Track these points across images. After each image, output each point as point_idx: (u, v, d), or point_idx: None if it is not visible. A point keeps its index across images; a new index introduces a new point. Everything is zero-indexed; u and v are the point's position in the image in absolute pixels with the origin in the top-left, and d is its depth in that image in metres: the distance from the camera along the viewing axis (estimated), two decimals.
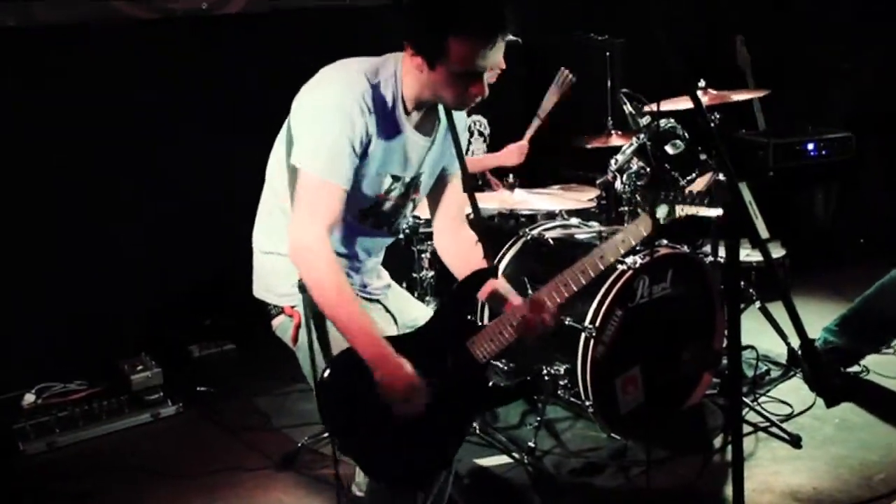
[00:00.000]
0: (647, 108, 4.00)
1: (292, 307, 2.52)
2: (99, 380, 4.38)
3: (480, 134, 4.66)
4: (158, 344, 4.52)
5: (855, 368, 4.16)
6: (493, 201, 4.12)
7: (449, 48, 2.29)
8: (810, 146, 5.75)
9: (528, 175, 4.39)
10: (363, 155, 2.40)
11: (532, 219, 4.21)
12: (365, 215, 2.54)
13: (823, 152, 5.78)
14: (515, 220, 4.22)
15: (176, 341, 4.63)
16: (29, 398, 4.23)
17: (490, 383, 2.56)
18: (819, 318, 4.30)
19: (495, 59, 2.37)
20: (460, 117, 2.66)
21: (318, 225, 2.34)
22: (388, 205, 2.56)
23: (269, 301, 2.61)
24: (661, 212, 2.61)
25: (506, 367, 3.94)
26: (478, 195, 4.07)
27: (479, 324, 2.59)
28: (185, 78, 4.56)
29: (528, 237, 3.97)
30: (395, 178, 2.52)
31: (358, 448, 2.44)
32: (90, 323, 4.45)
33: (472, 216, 2.69)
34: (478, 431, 3.81)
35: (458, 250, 2.74)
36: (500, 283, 2.68)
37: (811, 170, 5.76)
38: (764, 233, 1.90)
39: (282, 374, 4.40)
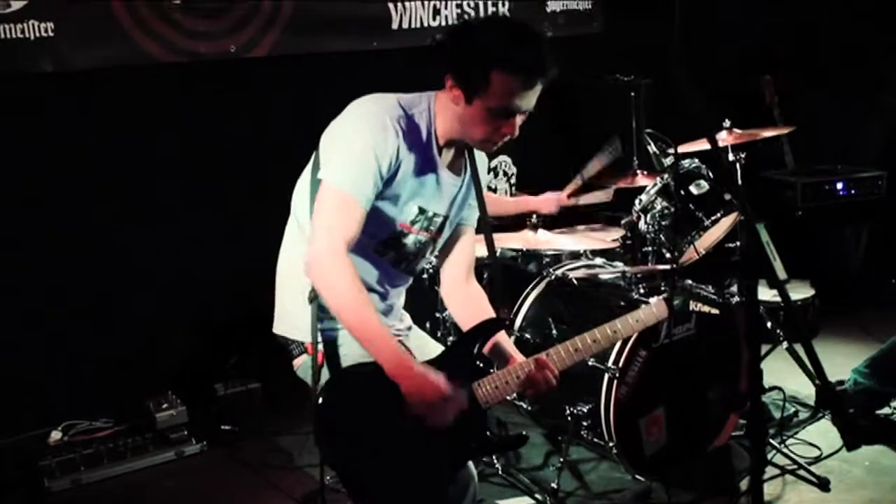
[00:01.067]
0: (670, 150, 4.00)
1: (318, 346, 2.50)
2: (124, 417, 4.41)
3: (505, 174, 4.68)
4: (184, 382, 4.54)
5: (886, 410, 4.10)
6: (517, 241, 4.13)
7: (491, 82, 2.35)
8: (839, 185, 5.71)
9: (553, 215, 4.40)
10: (392, 178, 2.42)
11: (556, 259, 4.20)
12: (386, 246, 2.54)
13: (853, 191, 5.74)
14: (539, 260, 4.22)
15: (201, 380, 4.64)
16: (55, 435, 4.27)
17: (487, 431, 2.53)
18: (848, 359, 4.25)
19: (530, 103, 2.43)
20: (482, 165, 2.69)
21: (335, 237, 2.34)
22: (410, 239, 2.56)
23: (288, 336, 2.61)
24: (678, 299, 2.66)
25: (529, 408, 3.92)
26: (501, 235, 4.13)
27: (487, 370, 2.57)
28: (213, 120, 4.62)
29: (552, 277, 3.97)
30: (422, 211, 2.54)
31: (351, 475, 2.42)
32: (116, 361, 4.48)
33: (488, 259, 2.70)
34: (500, 472, 3.79)
35: (466, 303, 2.75)
36: (506, 340, 2.68)
37: (840, 209, 5.72)
38: (782, 274, 1.90)
39: (306, 413, 4.38)
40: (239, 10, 4.62)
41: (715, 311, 2.85)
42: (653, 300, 2.78)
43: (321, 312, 2.49)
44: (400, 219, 2.52)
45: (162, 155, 4.54)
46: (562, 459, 3.69)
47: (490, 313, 2.69)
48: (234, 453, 4.26)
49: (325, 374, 2.50)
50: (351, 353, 2.50)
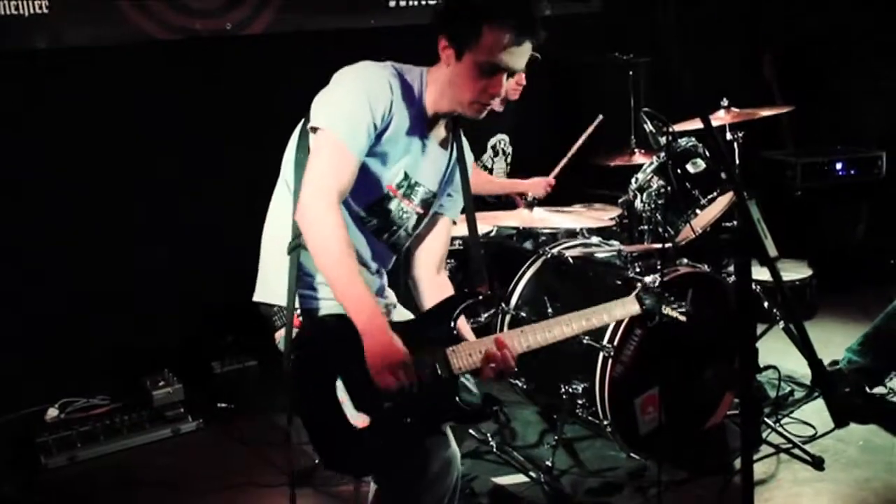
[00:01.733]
0: (667, 129, 3.99)
1: (297, 315, 2.45)
2: (121, 395, 4.42)
3: (503, 152, 4.66)
4: (180, 360, 4.55)
5: (881, 390, 4.10)
6: (513, 219, 4.12)
7: (481, 34, 2.39)
8: (839, 165, 5.70)
9: (549, 193, 4.40)
10: (383, 132, 2.43)
11: (552, 237, 4.20)
12: (370, 212, 2.53)
13: (852, 171, 5.73)
14: (535, 238, 4.21)
15: (198, 357, 4.65)
16: (52, 412, 4.29)
17: (457, 397, 2.49)
18: (846, 339, 4.25)
19: (519, 63, 2.46)
20: (468, 150, 2.72)
21: (328, 184, 2.35)
22: (394, 204, 2.55)
23: (270, 303, 2.55)
24: (649, 301, 2.80)
25: (525, 387, 3.92)
26: (498, 213, 4.12)
27: (462, 337, 2.54)
28: (210, 98, 4.60)
29: (548, 255, 3.96)
30: (406, 176, 2.54)
31: (318, 430, 2.40)
32: (113, 338, 4.50)
33: (470, 238, 2.71)
34: (495, 449, 3.80)
35: (436, 292, 2.73)
36: (467, 327, 2.66)
37: (839, 189, 5.71)
38: (773, 251, 1.89)
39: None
40: None
41: (682, 318, 2.93)
42: (626, 298, 2.80)
43: (301, 273, 2.46)
44: (386, 179, 2.52)
45: (157, 133, 4.53)
46: (556, 437, 3.70)
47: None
48: (231, 431, 4.27)
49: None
50: (326, 307, 2.47)
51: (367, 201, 2.52)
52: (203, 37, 4.55)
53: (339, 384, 2.37)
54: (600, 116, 4.49)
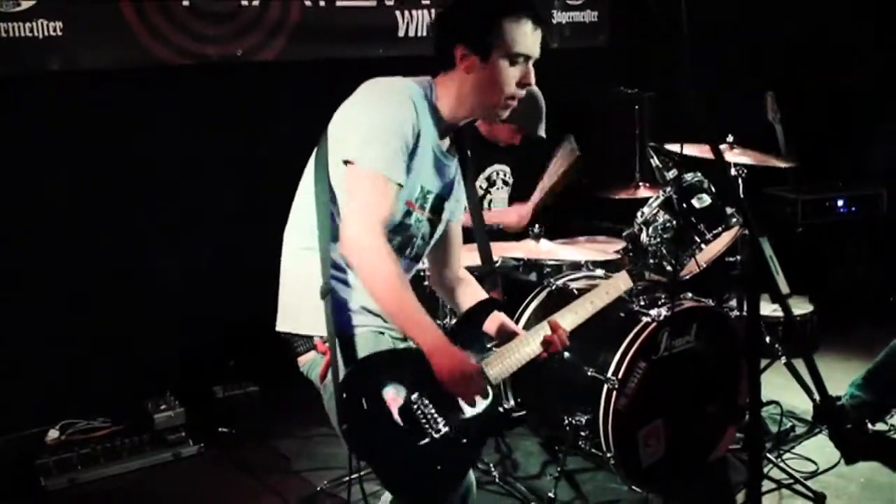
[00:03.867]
0: (673, 163, 4.01)
1: (324, 342, 2.46)
2: (122, 417, 4.41)
3: (505, 183, 4.69)
4: (182, 383, 4.55)
5: (883, 427, 4.11)
6: (518, 251, 4.14)
7: (503, 30, 2.45)
8: (840, 202, 5.74)
9: (555, 226, 4.42)
10: (412, 153, 2.45)
11: (557, 269, 4.21)
12: (395, 232, 2.53)
13: (853, 208, 5.76)
14: (540, 270, 4.22)
15: (200, 382, 4.65)
16: (53, 434, 4.27)
17: (500, 408, 2.56)
18: (847, 374, 4.26)
19: (537, 48, 2.52)
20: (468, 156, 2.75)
21: (370, 216, 2.35)
22: (413, 217, 2.56)
23: (294, 332, 2.56)
24: (638, 272, 2.92)
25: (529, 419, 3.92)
26: (503, 244, 4.14)
27: (490, 347, 2.62)
28: (221, 124, 4.63)
29: (553, 287, 3.97)
30: (422, 189, 2.56)
31: (375, 454, 2.42)
32: (115, 361, 4.49)
33: (484, 267, 2.78)
34: (497, 480, 3.80)
35: (465, 289, 2.83)
36: (506, 318, 2.74)
37: (841, 226, 5.74)
38: (784, 288, 1.91)
39: (304, 417, 4.41)
40: (247, 15, 4.64)
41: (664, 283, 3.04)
42: (618, 273, 2.95)
43: (336, 306, 2.47)
44: (407, 196, 2.52)
45: (165, 157, 4.55)
46: (559, 469, 3.70)
47: (482, 293, 2.77)
48: (232, 456, 4.26)
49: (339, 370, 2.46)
50: (365, 345, 2.48)
51: (392, 223, 2.51)
52: (214, 62, 4.58)
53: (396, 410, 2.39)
54: (570, 136, 4.53)
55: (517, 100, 2.56)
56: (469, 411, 2.47)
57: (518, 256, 4.19)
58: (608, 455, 3.53)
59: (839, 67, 6.14)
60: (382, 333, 2.54)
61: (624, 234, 4.12)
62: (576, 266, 4.22)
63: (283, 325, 2.63)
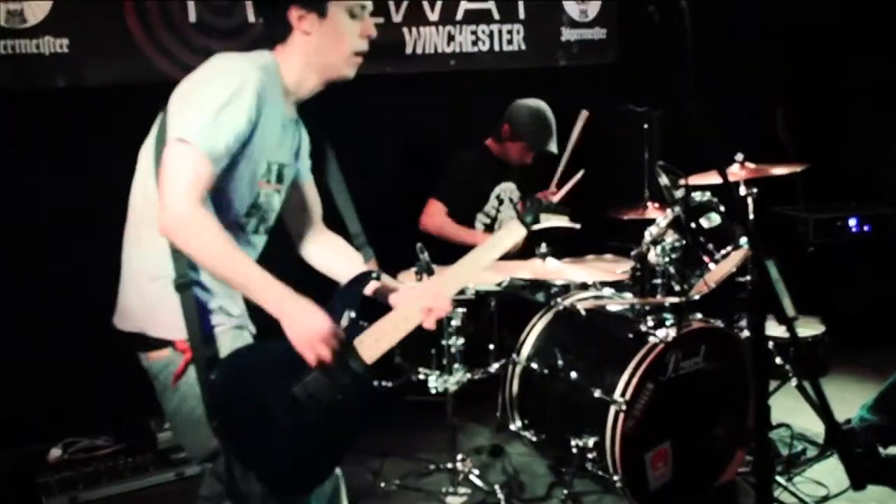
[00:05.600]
0: (682, 182, 3.98)
1: (186, 341, 2.37)
2: (125, 436, 4.38)
3: (511, 201, 4.67)
4: None
5: (894, 451, 4.05)
6: (526, 270, 4.10)
7: None
8: (852, 222, 5.69)
9: (562, 245, 4.39)
10: (250, 137, 2.35)
11: (565, 289, 4.18)
12: (248, 215, 2.49)
13: (866, 228, 5.71)
14: (547, 289, 4.19)
15: None
16: (55, 452, 4.24)
17: (374, 383, 2.50)
18: (859, 397, 4.20)
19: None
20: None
21: (188, 191, 2.21)
22: (263, 195, 2.50)
23: (150, 334, 2.47)
24: (529, 218, 2.61)
25: (534, 439, 3.88)
26: (511, 264, 4.10)
27: (363, 324, 2.50)
28: None
29: (560, 307, 3.94)
30: (268, 165, 2.49)
31: (251, 453, 2.37)
32: (118, 379, 4.45)
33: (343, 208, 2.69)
34: (503, 502, 3.75)
35: (335, 251, 2.75)
36: (386, 280, 2.67)
37: (853, 246, 5.68)
38: (791, 311, 1.88)
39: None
40: (253, 31, 4.64)
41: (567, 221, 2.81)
42: (509, 222, 2.67)
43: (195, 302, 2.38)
44: (257, 178, 2.45)
45: None
46: (566, 491, 3.66)
47: (358, 258, 2.67)
48: None
49: (190, 371, 2.39)
50: (226, 343, 2.42)
51: (245, 205, 2.47)
52: None
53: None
54: (584, 112, 4.52)
55: (362, 56, 2.52)
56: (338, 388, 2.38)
57: (525, 276, 4.15)
58: (615, 478, 3.49)
59: (851, 80, 6.11)
60: (241, 328, 2.50)
61: (632, 253, 4.11)
62: (583, 286, 4.19)
63: (126, 323, 2.59)
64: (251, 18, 4.62)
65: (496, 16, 5.38)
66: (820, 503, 3.70)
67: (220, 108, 2.27)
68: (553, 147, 4.59)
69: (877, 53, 5.95)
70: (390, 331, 2.49)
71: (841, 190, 5.98)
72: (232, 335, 2.45)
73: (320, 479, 2.49)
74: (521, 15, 5.47)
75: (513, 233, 2.61)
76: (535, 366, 3.83)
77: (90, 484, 4.02)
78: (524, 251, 4.32)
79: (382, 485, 3.98)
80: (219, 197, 2.38)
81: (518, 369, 3.88)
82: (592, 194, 4.66)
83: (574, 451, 3.59)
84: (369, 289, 2.60)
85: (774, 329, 4.46)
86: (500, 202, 4.64)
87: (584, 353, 3.80)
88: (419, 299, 2.51)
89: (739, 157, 4.31)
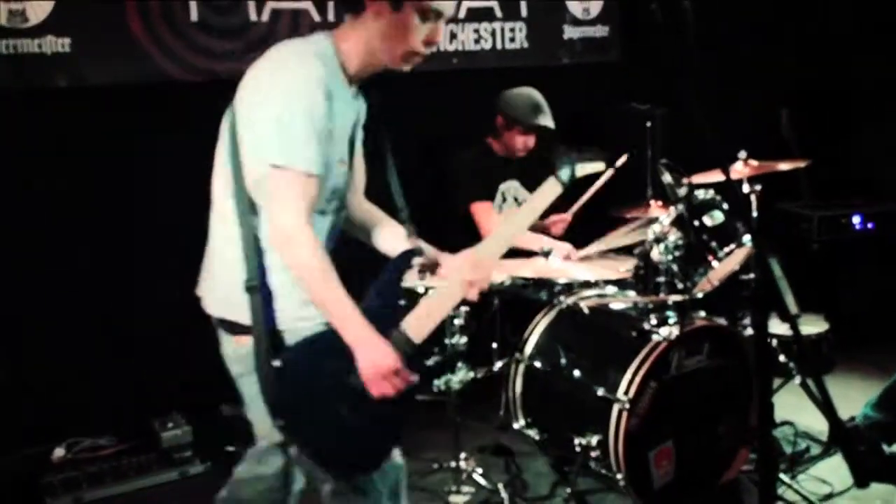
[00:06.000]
0: (685, 180, 3.98)
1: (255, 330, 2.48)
2: (129, 436, 4.38)
3: (515, 200, 4.66)
4: (189, 402, 4.52)
5: None
6: (528, 269, 4.10)
7: None
8: (856, 219, 5.67)
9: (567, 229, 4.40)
10: (328, 131, 2.44)
11: (568, 287, 4.17)
12: (330, 198, 2.56)
13: (870, 225, 5.70)
14: (550, 288, 4.18)
15: (207, 400, 4.61)
16: (59, 452, 4.24)
17: (426, 362, 2.57)
18: (863, 394, 4.19)
19: (451, 9, 2.54)
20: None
21: (298, 211, 2.37)
22: (341, 176, 2.58)
23: (238, 321, 2.56)
24: (565, 174, 2.66)
25: (537, 438, 3.88)
26: (513, 262, 4.10)
27: (406, 304, 2.58)
28: None
29: (563, 306, 3.94)
30: (343, 148, 2.57)
31: (312, 441, 2.49)
32: (122, 379, 4.47)
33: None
34: (506, 501, 3.75)
35: (373, 220, 2.81)
36: (427, 252, 2.73)
37: (857, 243, 5.67)
38: (794, 308, 1.87)
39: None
40: (256, 31, 4.64)
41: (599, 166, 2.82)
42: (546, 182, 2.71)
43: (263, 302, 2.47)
44: (333, 163, 2.52)
45: (172, 174, 4.53)
46: (569, 490, 3.66)
47: (398, 228, 2.73)
48: None
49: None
50: (292, 338, 2.50)
51: (329, 190, 2.54)
52: (223, 79, 4.57)
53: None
54: (625, 156, 4.48)
55: (420, 57, 2.55)
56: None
57: (528, 275, 4.15)
58: (619, 476, 3.48)
59: (854, 78, 6.10)
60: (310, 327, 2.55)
61: (635, 251, 4.10)
62: (586, 284, 4.18)
63: (214, 309, 2.71)
64: (253, 17, 4.62)
65: (499, 14, 5.37)
66: (824, 501, 3.70)
67: (301, 120, 2.36)
68: (549, 122, 4.55)
69: (881, 52, 5.94)
70: (435, 308, 2.56)
71: (845, 187, 5.96)
72: (299, 333, 2.50)
73: (380, 459, 2.58)
74: (524, 13, 5.46)
75: (549, 191, 2.68)
76: (538, 364, 3.83)
77: (94, 484, 4.04)
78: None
79: None
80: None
81: (521, 368, 3.88)
82: (595, 192, 4.68)
83: (577, 449, 3.59)
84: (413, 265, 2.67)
85: (778, 327, 4.47)
86: (504, 200, 4.63)
87: (587, 351, 3.80)
88: (460, 273, 2.59)
89: (743, 154, 4.30)
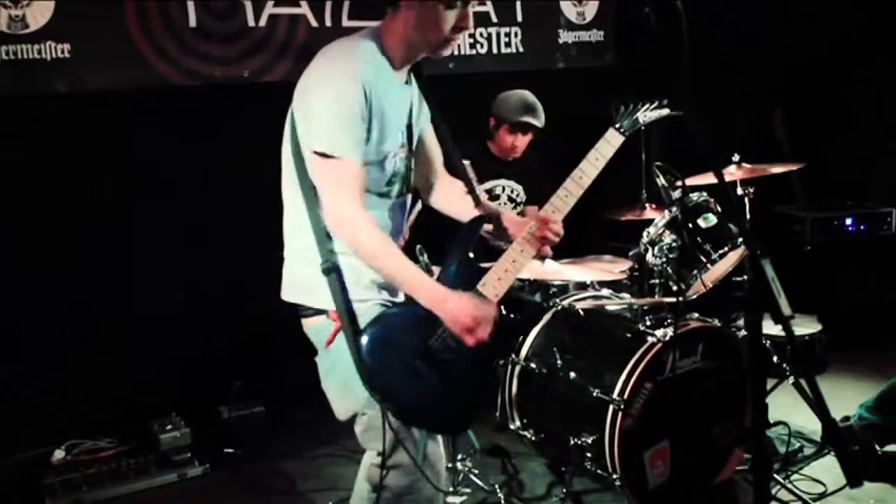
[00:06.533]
0: (679, 183, 4.01)
1: (335, 311, 2.59)
2: (128, 438, 4.41)
3: (511, 200, 4.68)
4: (188, 404, 4.54)
5: (893, 448, 4.07)
6: (524, 271, 4.12)
7: None
8: (848, 221, 5.71)
9: (560, 246, 4.40)
10: (370, 121, 2.55)
11: (563, 289, 4.20)
12: (389, 183, 2.69)
13: (862, 227, 5.74)
14: (546, 290, 4.22)
15: (206, 402, 4.64)
16: (58, 454, 4.27)
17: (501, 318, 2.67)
18: (857, 395, 4.23)
19: None
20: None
21: (345, 197, 2.51)
22: (398, 161, 2.70)
23: (303, 304, 2.69)
24: (626, 124, 2.86)
25: (533, 438, 3.90)
26: None
27: (482, 266, 2.72)
28: (226, 144, 4.65)
29: (559, 307, 3.97)
30: (399, 133, 2.69)
31: (405, 405, 2.57)
32: (121, 381, 4.49)
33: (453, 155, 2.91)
34: (502, 501, 3.78)
35: (455, 195, 2.96)
36: (500, 214, 2.91)
37: (849, 245, 5.71)
38: (787, 310, 1.90)
39: (310, 437, 4.41)
40: (253, 36, 4.67)
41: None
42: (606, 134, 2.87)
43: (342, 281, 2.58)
44: (386, 150, 2.64)
45: (170, 177, 4.57)
46: (564, 490, 3.68)
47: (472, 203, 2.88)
48: (237, 477, 4.25)
49: (340, 338, 2.59)
50: (364, 314, 2.59)
51: (387, 176, 2.68)
52: (221, 83, 4.61)
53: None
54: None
55: (455, 41, 2.65)
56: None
57: (524, 277, 4.18)
58: (614, 476, 3.51)
59: (847, 81, 6.14)
60: (383, 304, 2.68)
61: (630, 253, 4.14)
62: (582, 286, 4.22)
63: (290, 295, 2.74)
64: (251, 22, 4.66)
65: (494, 18, 5.41)
66: (818, 500, 3.73)
67: (338, 111, 2.49)
68: (534, 120, 4.57)
69: (873, 54, 5.98)
70: (509, 267, 2.70)
71: (837, 189, 6.00)
72: (373, 310, 2.62)
73: (470, 416, 2.79)
74: (519, 17, 5.50)
75: (611, 142, 2.86)
76: (534, 365, 3.86)
77: (93, 485, 4.06)
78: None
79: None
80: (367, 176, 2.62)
81: (517, 369, 3.90)
82: (590, 195, 4.70)
83: (573, 449, 3.61)
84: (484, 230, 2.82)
85: (771, 328, 4.51)
86: (494, 198, 4.65)
87: (582, 352, 3.82)
88: (529, 230, 2.73)
89: (736, 157, 4.35)
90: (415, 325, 2.59)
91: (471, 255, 2.72)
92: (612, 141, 2.86)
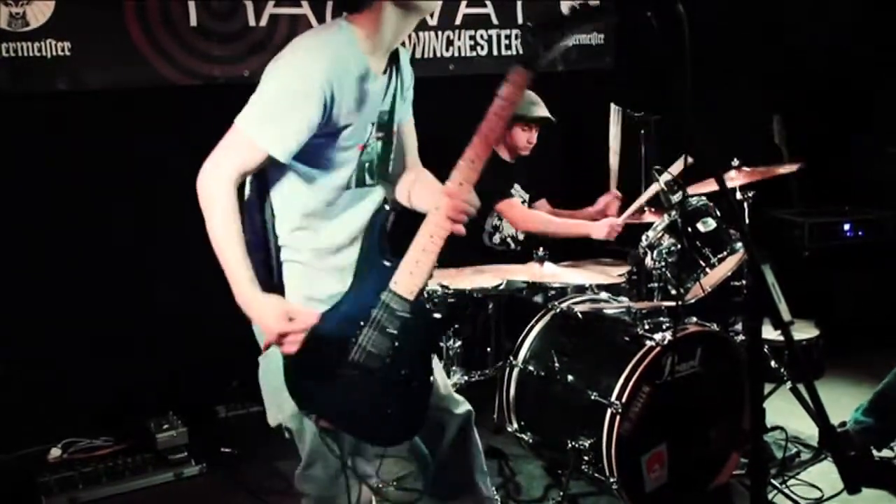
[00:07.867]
0: (678, 187, 4.01)
1: None
2: (125, 436, 4.41)
3: (523, 202, 4.68)
4: (185, 403, 4.54)
5: (889, 454, 4.07)
6: (523, 274, 4.13)
7: None
8: (846, 226, 5.72)
9: (560, 249, 4.41)
10: (329, 120, 2.44)
11: (562, 292, 4.20)
12: (360, 172, 2.59)
13: (860, 233, 5.74)
14: (545, 292, 4.22)
15: (203, 401, 4.64)
16: (55, 452, 4.27)
17: (434, 315, 2.58)
18: (854, 400, 4.23)
19: None
20: (406, 68, 2.74)
21: (229, 170, 2.48)
22: (371, 149, 2.60)
23: None
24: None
25: (530, 441, 3.91)
26: (508, 267, 4.13)
27: (392, 263, 2.53)
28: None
29: (557, 310, 3.97)
30: (368, 126, 2.58)
31: (338, 416, 2.51)
32: (118, 380, 4.49)
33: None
34: (499, 503, 3.78)
35: (421, 183, 2.80)
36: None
37: (848, 250, 5.72)
38: (787, 315, 1.90)
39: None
40: (254, 36, 4.67)
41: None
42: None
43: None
44: (363, 140, 2.56)
45: (169, 177, 4.54)
46: (561, 493, 3.68)
47: (426, 190, 2.73)
48: (234, 476, 4.24)
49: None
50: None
51: (354, 166, 2.57)
52: (221, 83, 4.60)
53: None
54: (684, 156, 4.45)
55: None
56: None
57: (523, 279, 4.18)
58: (611, 480, 3.51)
59: (846, 84, 6.14)
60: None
61: (629, 257, 4.14)
62: (580, 289, 4.22)
63: None
64: (252, 22, 4.65)
65: (495, 20, 5.41)
66: None
67: (276, 101, 2.42)
68: (542, 112, 4.57)
69: (872, 58, 5.99)
70: (420, 258, 2.47)
71: (835, 194, 6.01)
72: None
73: (417, 423, 2.65)
74: (520, 19, 5.50)
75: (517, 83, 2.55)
76: (532, 368, 3.85)
77: (90, 484, 4.05)
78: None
79: (380, 485, 4.00)
80: (328, 163, 2.53)
81: (515, 372, 3.90)
82: (589, 198, 4.72)
83: (570, 453, 3.62)
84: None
85: (769, 332, 4.51)
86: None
87: (580, 355, 3.82)
88: (436, 209, 2.47)
89: (735, 162, 4.35)
90: (340, 328, 2.48)
91: (377, 253, 2.54)
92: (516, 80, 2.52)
